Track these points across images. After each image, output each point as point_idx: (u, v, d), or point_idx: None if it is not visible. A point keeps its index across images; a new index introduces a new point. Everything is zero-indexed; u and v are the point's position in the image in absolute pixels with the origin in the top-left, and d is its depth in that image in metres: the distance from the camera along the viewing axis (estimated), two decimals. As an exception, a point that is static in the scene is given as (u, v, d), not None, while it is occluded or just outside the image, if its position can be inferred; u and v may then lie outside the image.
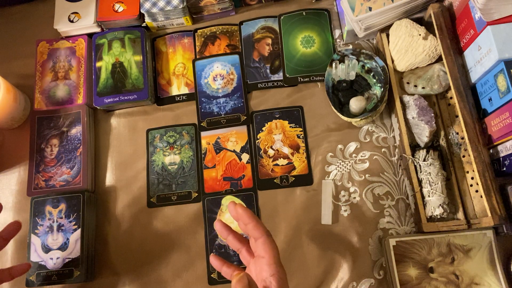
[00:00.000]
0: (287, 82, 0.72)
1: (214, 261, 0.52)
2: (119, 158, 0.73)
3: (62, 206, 0.67)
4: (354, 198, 0.66)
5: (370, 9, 0.64)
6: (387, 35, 0.68)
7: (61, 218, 0.66)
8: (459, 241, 0.59)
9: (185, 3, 0.73)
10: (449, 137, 0.64)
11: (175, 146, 0.72)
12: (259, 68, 0.74)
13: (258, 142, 0.70)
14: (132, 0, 0.75)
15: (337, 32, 0.74)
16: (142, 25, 0.77)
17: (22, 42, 0.80)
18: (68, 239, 0.65)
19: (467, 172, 0.62)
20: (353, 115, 0.66)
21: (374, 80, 0.67)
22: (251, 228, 0.46)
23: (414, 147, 0.64)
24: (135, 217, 0.69)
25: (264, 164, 0.69)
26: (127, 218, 0.69)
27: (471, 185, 0.61)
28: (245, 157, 0.70)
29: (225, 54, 0.76)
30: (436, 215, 0.59)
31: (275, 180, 0.68)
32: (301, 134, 0.70)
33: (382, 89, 0.64)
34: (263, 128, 0.71)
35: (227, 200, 0.68)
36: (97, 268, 0.67)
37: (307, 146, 0.69)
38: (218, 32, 0.77)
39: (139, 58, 0.74)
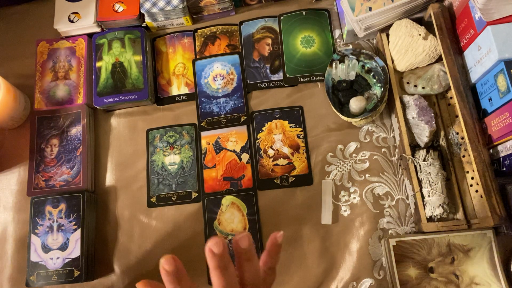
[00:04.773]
0: (287, 82, 0.72)
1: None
2: (119, 158, 0.72)
3: (62, 206, 0.67)
4: (354, 198, 0.66)
5: (370, 9, 0.64)
6: (387, 35, 0.68)
7: (61, 218, 0.66)
8: (459, 241, 0.59)
9: (185, 3, 0.73)
10: (449, 137, 0.64)
11: (175, 146, 0.72)
12: (259, 68, 0.74)
13: (258, 142, 0.70)
14: (132, 0, 0.75)
15: (337, 32, 0.74)
16: (142, 25, 0.77)
17: (22, 42, 0.80)
18: (68, 239, 0.65)
19: (467, 172, 0.62)
20: (353, 115, 0.66)
21: (374, 80, 0.67)
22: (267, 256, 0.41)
23: (414, 147, 0.64)
24: (135, 217, 0.69)
25: (264, 164, 0.69)
26: (127, 218, 0.69)
27: (471, 185, 0.61)
28: (245, 157, 0.70)
29: (225, 54, 0.75)
30: (436, 215, 0.59)
31: (275, 180, 0.68)
32: (301, 134, 0.70)
33: (382, 89, 0.64)
34: (263, 128, 0.71)
35: (227, 200, 0.68)
36: (97, 268, 0.67)
37: (307, 146, 0.69)
38: (218, 32, 0.77)
39: (139, 58, 0.74)
